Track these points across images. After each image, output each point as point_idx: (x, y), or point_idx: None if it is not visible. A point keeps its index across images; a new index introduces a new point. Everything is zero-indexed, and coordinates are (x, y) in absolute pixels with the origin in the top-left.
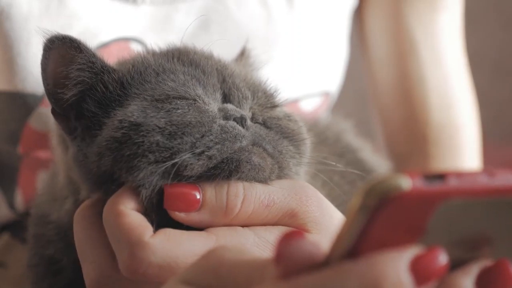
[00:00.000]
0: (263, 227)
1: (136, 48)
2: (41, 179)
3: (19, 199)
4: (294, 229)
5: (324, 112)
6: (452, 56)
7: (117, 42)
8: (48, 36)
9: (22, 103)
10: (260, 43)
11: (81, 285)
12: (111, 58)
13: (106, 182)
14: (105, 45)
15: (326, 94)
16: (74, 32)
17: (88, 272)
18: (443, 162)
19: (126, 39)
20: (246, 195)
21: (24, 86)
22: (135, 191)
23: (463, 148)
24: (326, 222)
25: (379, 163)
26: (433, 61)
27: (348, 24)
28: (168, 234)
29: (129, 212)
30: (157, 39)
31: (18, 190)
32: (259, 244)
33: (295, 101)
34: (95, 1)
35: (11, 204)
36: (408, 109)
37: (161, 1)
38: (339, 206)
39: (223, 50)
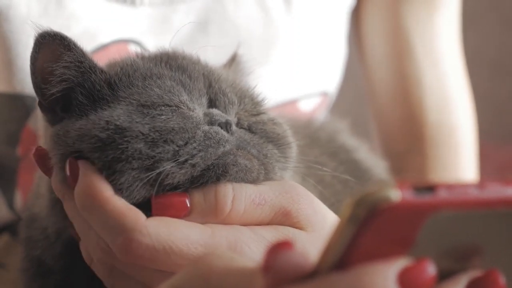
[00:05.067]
0: (259, 226)
1: (135, 49)
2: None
3: (19, 200)
4: (284, 239)
5: (322, 112)
6: (449, 56)
7: (116, 44)
8: (40, 31)
9: (21, 104)
10: (259, 44)
11: (72, 285)
12: (110, 59)
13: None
14: (104, 47)
15: (324, 94)
16: (73, 33)
17: (92, 251)
18: (439, 162)
19: (125, 41)
20: (235, 194)
21: (23, 88)
22: (105, 176)
23: (460, 148)
24: (319, 220)
25: (375, 163)
26: (430, 61)
27: (346, 24)
28: (164, 219)
29: (115, 197)
30: (156, 41)
31: (17, 191)
32: (256, 240)
33: (294, 101)
34: (93, 3)
35: (10, 205)
36: (405, 109)
37: (160, 2)
38: (330, 207)
39: (221, 51)
